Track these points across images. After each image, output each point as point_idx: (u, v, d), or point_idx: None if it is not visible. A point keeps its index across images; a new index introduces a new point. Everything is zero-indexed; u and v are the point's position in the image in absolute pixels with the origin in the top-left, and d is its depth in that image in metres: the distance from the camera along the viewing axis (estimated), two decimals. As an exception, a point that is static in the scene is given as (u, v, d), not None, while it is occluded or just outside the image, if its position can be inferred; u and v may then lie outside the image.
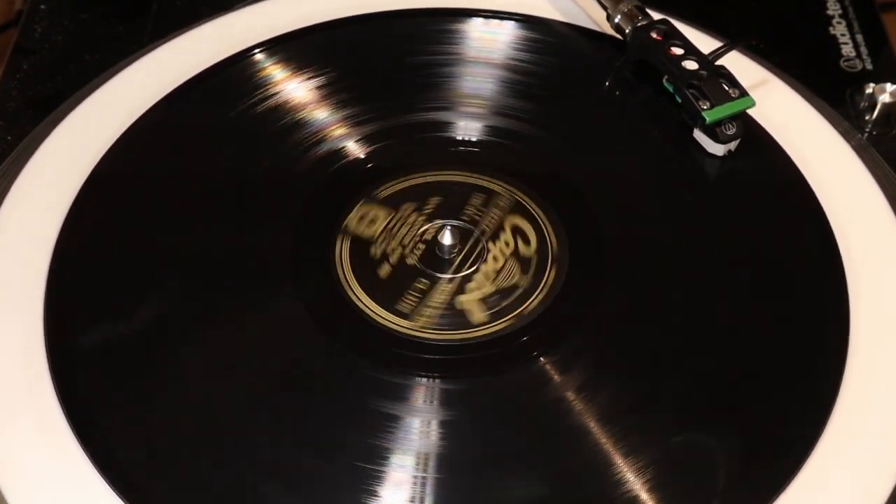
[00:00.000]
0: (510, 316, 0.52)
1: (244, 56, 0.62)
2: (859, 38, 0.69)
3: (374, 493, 0.46)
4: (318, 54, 0.63)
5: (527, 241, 0.55)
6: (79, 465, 0.47)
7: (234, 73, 0.62)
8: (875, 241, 0.55)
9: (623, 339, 0.52)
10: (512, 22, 0.64)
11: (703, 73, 0.58)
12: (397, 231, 0.55)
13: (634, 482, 0.47)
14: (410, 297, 0.53)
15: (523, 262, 0.54)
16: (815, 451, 0.48)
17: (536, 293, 0.53)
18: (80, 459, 0.47)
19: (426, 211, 0.56)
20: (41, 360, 0.50)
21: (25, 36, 0.67)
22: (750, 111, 0.58)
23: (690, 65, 0.58)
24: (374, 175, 0.58)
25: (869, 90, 0.64)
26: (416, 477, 0.47)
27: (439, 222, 0.55)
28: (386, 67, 0.63)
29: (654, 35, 0.60)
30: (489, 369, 0.51)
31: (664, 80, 0.59)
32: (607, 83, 0.63)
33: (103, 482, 0.46)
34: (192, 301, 0.53)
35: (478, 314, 0.52)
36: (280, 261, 0.54)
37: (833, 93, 0.64)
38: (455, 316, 0.52)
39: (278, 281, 0.53)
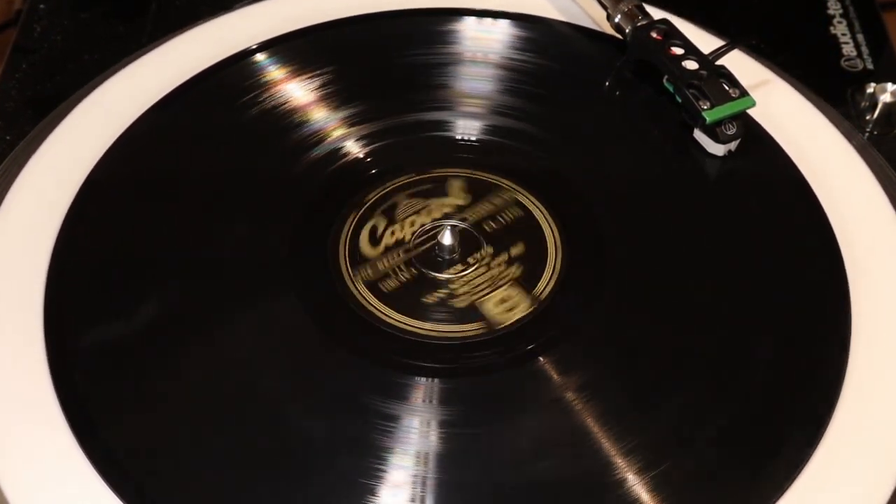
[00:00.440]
0: (509, 316, 0.52)
1: (244, 56, 0.62)
2: (860, 37, 0.69)
3: (373, 493, 0.46)
4: (318, 54, 0.63)
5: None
6: (78, 465, 0.47)
7: (234, 72, 0.62)
8: (876, 241, 0.55)
9: (623, 339, 0.52)
10: (512, 21, 0.64)
11: (704, 72, 0.57)
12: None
13: (634, 482, 0.46)
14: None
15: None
16: (816, 451, 0.48)
17: (536, 293, 0.53)
18: (79, 460, 0.47)
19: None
20: (41, 361, 0.50)
21: (25, 35, 0.67)
22: (750, 111, 0.58)
23: (691, 64, 0.58)
24: (374, 175, 0.58)
25: (870, 90, 0.64)
26: (415, 477, 0.47)
27: (441, 222, 0.55)
28: (386, 67, 0.63)
29: (654, 35, 0.60)
30: (489, 369, 0.51)
31: (664, 80, 0.59)
32: (607, 83, 0.63)
33: (103, 482, 0.46)
34: (192, 301, 0.53)
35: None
36: (280, 261, 0.54)
37: (834, 92, 0.64)
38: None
39: (278, 281, 0.53)
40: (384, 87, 0.62)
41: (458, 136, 0.60)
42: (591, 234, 0.55)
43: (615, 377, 0.50)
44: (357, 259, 0.54)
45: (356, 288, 0.53)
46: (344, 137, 0.59)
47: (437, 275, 0.54)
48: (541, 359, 0.51)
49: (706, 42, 0.61)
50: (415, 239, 0.55)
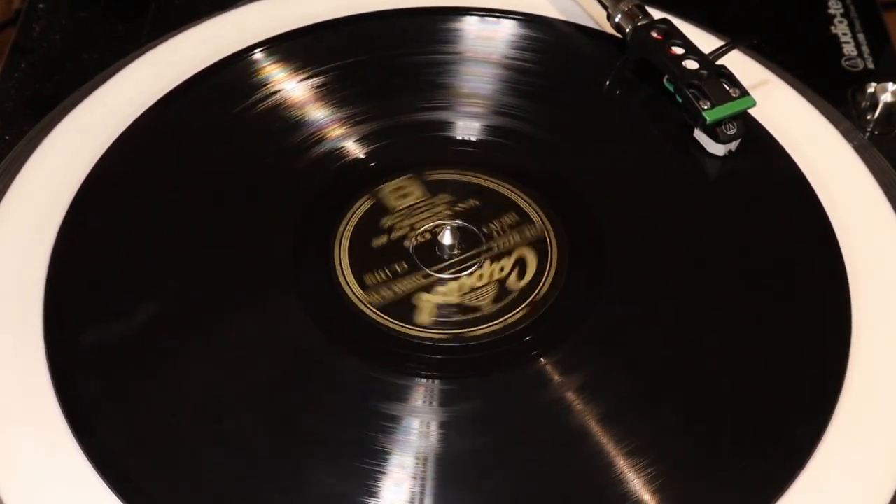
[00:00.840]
0: (510, 316, 0.52)
1: (243, 55, 0.62)
2: (861, 37, 0.68)
3: (373, 494, 0.46)
4: (318, 54, 0.62)
5: (520, 255, 0.54)
6: (78, 465, 0.47)
7: (234, 72, 0.61)
8: (877, 241, 0.55)
9: (623, 339, 0.52)
10: (513, 21, 0.64)
11: (704, 72, 0.57)
12: (417, 213, 0.55)
13: (635, 482, 0.46)
14: (381, 274, 0.53)
15: (504, 290, 0.53)
16: (816, 451, 0.48)
17: (536, 293, 0.53)
18: (78, 460, 0.47)
19: (457, 207, 0.56)
20: (40, 361, 0.50)
21: (24, 35, 0.67)
22: (751, 111, 0.58)
23: (691, 64, 0.58)
24: (377, 174, 0.58)
25: (870, 89, 0.63)
26: (415, 477, 0.46)
27: (450, 222, 0.55)
28: (386, 67, 0.63)
29: (654, 34, 0.60)
30: (489, 370, 0.50)
31: (665, 80, 0.59)
32: (608, 83, 0.62)
33: (102, 482, 0.46)
34: (192, 301, 0.52)
35: (425, 316, 0.52)
36: (280, 261, 0.54)
37: (834, 92, 0.64)
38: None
39: (278, 281, 0.53)
40: (384, 87, 0.62)
41: (458, 136, 0.60)
42: (591, 233, 0.55)
43: (616, 377, 0.50)
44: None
45: (356, 288, 0.53)
46: (344, 137, 0.59)
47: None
48: (541, 359, 0.50)
49: (706, 42, 0.61)
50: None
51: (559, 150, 0.59)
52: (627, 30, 0.61)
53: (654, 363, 0.51)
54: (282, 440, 0.48)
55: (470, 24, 0.64)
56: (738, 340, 0.52)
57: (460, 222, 0.55)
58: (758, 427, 0.49)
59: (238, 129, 0.59)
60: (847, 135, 0.60)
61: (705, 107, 0.57)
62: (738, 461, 0.48)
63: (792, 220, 0.56)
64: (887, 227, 0.56)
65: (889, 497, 0.47)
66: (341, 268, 0.54)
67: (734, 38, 0.61)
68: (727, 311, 0.53)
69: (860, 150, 0.59)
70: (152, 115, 0.59)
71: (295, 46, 0.63)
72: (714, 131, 0.57)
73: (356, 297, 0.53)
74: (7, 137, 0.61)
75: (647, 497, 0.46)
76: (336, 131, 0.59)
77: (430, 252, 0.54)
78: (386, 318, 0.52)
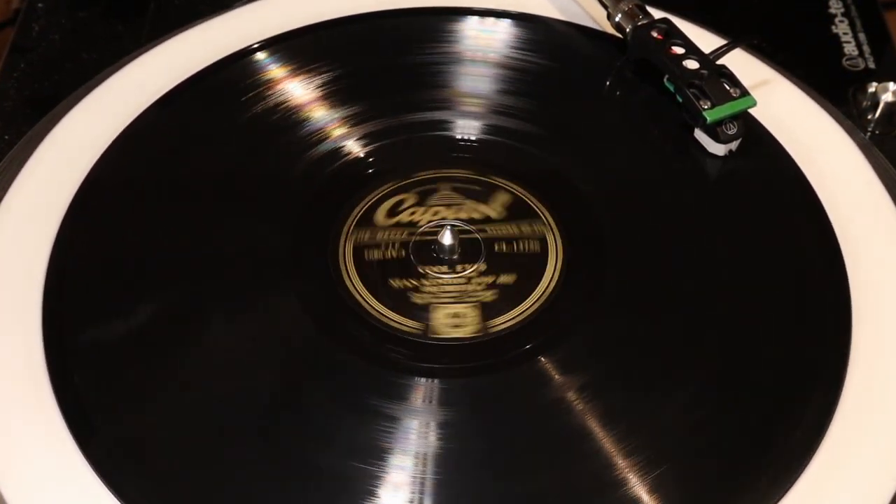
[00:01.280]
0: (510, 316, 0.52)
1: (243, 55, 0.62)
2: (862, 36, 0.68)
3: (373, 494, 0.46)
4: (318, 54, 0.62)
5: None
6: (77, 465, 0.47)
7: (234, 72, 0.61)
8: (878, 241, 0.55)
9: (623, 339, 0.52)
10: (512, 21, 0.64)
11: (704, 72, 0.57)
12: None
13: (635, 482, 0.46)
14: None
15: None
16: (816, 452, 0.48)
17: (536, 293, 0.53)
18: (78, 460, 0.47)
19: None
20: (40, 361, 0.50)
21: (23, 35, 0.67)
22: (751, 111, 0.58)
23: (691, 64, 0.58)
24: (376, 174, 0.58)
25: (871, 89, 0.63)
26: (414, 477, 0.46)
27: (450, 222, 0.55)
28: (386, 67, 0.63)
29: (654, 34, 0.60)
30: (489, 369, 0.50)
31: (665, 80, 0.59)
32: (608, 82, 0.62)
33: (102, 483, 0.46)
34: (192, 301, 0.52)
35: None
36: (280, 261, 0.54)
37: (835, 92, 0.64)
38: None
39: (278, 281, 0.53)
40: (384, 87, 0.62)
41: (458, 136, 0.60)
42: (591, 233, 0.55)
43: (616, 377, 0.50)
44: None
45: (356, 288, 0.53)
46: (344, 137, 0.59)
47: (419, 266, 0.54)
48: (541, 359, 0.50)
49: (707, 41, 0.60)
50: (416, 235, 0.55)
51: (559, 150, 0.59)
52: (627, 29, 0.61)
53: (654, 363, 0.51)
54: (281, 440, 0.48)
55: (470, 25, 0.64)
56: (738, 340, 0.51)
57: (460, 222, 0.55)
58: (758, 427, 0.49)
59: (238, 129, 0.59)
60: (848, 134, 0.60)
61: (706, 107, 0.57)
62: (738, 461, 0.48)
63: (792, 220, 0.56)
64: (888, 227, 0.56)
65: (889, 497, 0.47)
66: (341, 268, 0.54)
67: (735, 38, 0.61)
68: (727, 310, 0.53)
69: (861, 149, 0.59)
70: (152, 114, 0.59)
71: (295, 46, 0.63)
72: (714, 131, 0.57)
73: (356, 296, 0.53)
74: (6, 137, 0.61)
75: (647, 497, 0.46)
76: (336, 131, 0.59)
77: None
78: (386, 318, 0.52)
